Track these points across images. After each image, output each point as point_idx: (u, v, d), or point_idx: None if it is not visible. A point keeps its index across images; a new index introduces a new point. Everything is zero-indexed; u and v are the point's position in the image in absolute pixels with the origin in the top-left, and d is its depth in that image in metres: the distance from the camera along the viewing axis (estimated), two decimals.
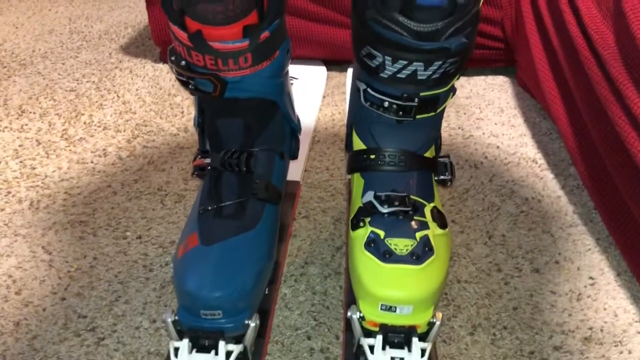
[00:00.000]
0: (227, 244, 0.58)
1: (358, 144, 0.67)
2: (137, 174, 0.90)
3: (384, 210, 0.61)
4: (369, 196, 0.63)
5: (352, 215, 0.64)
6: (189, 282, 0.56)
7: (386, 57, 0.57)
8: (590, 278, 0.73)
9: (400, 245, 0.59)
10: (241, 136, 0.64)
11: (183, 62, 0.60)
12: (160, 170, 0.91)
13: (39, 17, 1.61)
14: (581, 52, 0.85)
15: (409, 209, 0.61)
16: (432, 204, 0.64)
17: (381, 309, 0.57)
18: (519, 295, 0.71)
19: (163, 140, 0.99)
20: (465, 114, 1.09)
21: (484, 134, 1.03)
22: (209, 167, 0.65)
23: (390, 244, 0.59)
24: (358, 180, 0.67)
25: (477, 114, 1.10)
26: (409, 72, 0.58)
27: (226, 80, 0.60)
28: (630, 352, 0.64)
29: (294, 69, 1.24)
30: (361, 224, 0.62)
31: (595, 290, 0.72)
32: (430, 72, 0.58)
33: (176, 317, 0.56)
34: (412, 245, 0.59)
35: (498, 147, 0.99)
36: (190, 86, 0.61)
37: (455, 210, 0.84)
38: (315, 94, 1.14)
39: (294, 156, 0.72)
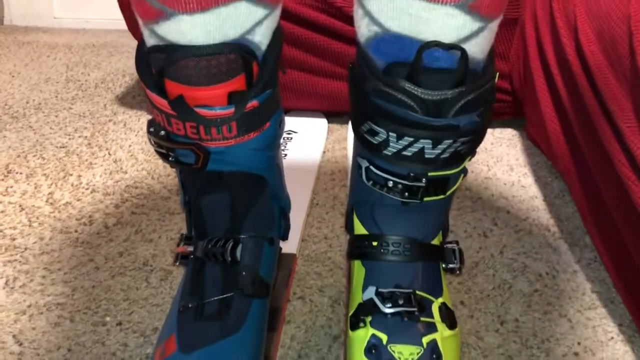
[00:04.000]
0: (208, 352, 0.52)
1: (359, 228, 0.62)
2: (123, 245, 0.84)
3: (387, 310, 0.55)
4: (371, 292, 0.57)
5: (351, 312, 0.58)
6: None
7: (390, 133, 0.52)
8: None
9: (405, 353, 0.53)
10: (227, 220, 0.58)
11: (162, 132, 0.55)
12: (148, 241, 0.85)
13: (36, 64, 1.58)
14: (591, 110, 0.79)
15: (415, 309, 0.55)
16: (440, 300, 0.58)
17: None
18: None
19: (153, 205, 0.93)
20: (473, 172, 1.03)
21: (493, 195, 0.97)
22: (191, 256, 0.59)
23: (394, 351, 0.53)
24: (359, 269, 0.61)
25: (485, 172, 1.04)
26: (415, 150, 0.52)
27: (209, 150, 0.55)
28: None
29: (293, 122, 1.19)
30: (361, 324, 0.56)
31: None
32: (439, 151, 0.53)
33: None
34: (418, 354, 0.53)
35: (508, 211, 0.93)
36: (170, 158, 0.56)
37: (464, 289, 0.77)
38: (315, 150, 1.09)
39: (284, 237, 0.67)
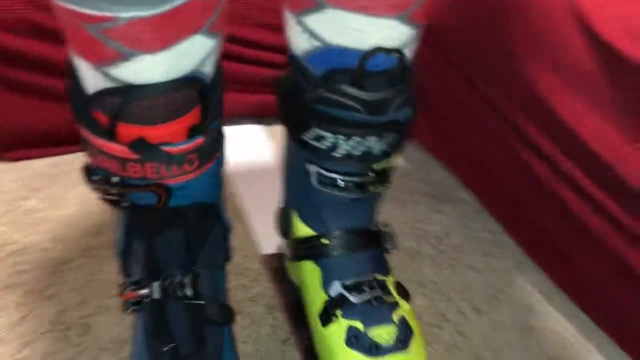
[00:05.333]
0: None
1: (303, 230, 0.63)
2: (21, 309, 0.76)
3: (357, 300, 0.58)
4: (337, 287, 0.59)
5: (317, 310, 0.60)
6: None
7: (338, 136, 0.54)
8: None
9: (384, 334, 0.56)
10: (182, 255, 0.57)
11: (115, 179, 0.52)
12: (47, 299, 0.78)
13: None
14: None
15: (380, 293, 0.59)
16: (390, 277, 0.62)
17: None
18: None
19: (36, 260, 0.85)
20: None
21: None
22: (146, 299, 0.56)
23: (374, 335, 0.56)
24: (311, 269, 0.62)
25: None
26: (364, 149, 0.56)
27: (171, 188, 0.53)
28: None
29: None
30: (333, 318, 0.58)
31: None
32: (385, 146, 0.56)
33: None
34: (394, 332, 0.57)
35: None
36: (123, 203, 0.53)
37: None
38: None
39: (229, 259, 0.66)
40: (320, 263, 0.62)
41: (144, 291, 0.56)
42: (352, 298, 0.58)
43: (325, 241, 0.62)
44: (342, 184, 0.59)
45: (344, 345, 0.57)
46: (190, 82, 0.50)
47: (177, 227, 0.56)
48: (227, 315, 0.57)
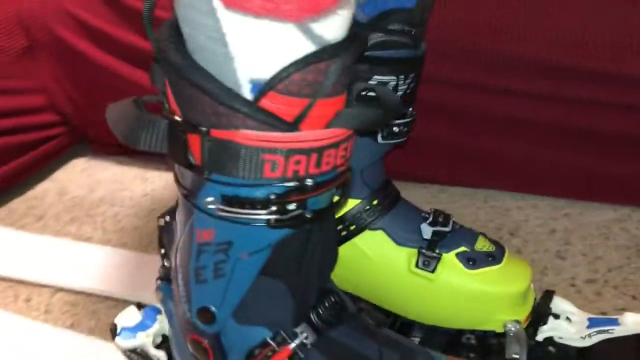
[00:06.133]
0: None
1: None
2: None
3: (448, 228, 0.65)
4: (425, 229, 0.65)
5: (406, 268, 0.64)
6: None
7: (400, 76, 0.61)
8: None
9: (486, 245, 0.65)
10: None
11: (293, 184, 0.44)
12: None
13: None
14: None
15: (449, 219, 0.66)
16: None
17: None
18: None
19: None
20: None
21: None
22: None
23: (481, 248, 0.65)
24: (371, 236, 0.66)
25: None
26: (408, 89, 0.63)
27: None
28: None
29: None
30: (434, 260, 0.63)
31: None
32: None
33: None
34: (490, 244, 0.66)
35: None
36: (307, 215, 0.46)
37: None
38: None
39: None
40: (377, 227, 0.65)
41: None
42: (445, 228, 0.64)
43: (374, 202, 0.65)
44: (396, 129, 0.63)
45: (466, 269, 0.62)
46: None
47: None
48: None
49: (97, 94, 1.13)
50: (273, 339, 0.50)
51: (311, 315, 0.51)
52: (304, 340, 0.50)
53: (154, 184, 1.16)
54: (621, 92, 0.83)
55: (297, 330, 0.50)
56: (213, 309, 0.50)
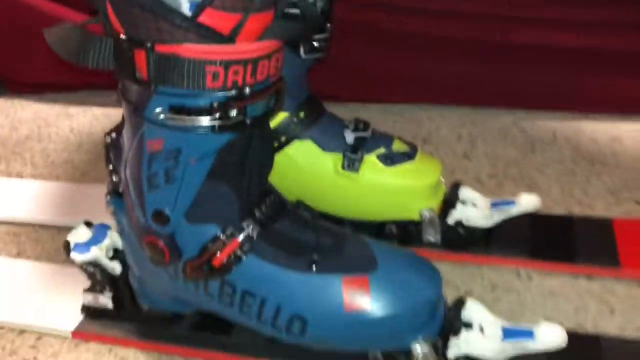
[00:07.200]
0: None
1: None
2: None
3: (368, 134, 0.72)
4: (348, 135, 0.72)
5: (332, 171, 0.72)
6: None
7: None
8: None
9: (402, 147, 0.74)
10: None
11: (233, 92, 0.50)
12: None
13: None
14: None
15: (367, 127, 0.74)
16: None
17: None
18: None
19: None
20: None
21: None
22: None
23: (397, 149, 0.73)
24: (299, 146, 0.73)
25: None
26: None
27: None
28: None
29: None
30: (357, 163, 0.71)
31: None
32: None
33: None
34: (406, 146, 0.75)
35: None
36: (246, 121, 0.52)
37: None
38: None
39: None
40: (305, 136, 0.72)
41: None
42: (365, 134, 0.72)
43: (301, 114, 0.72)
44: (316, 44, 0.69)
45: (385, 167, 0.71)
46: None
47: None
48: None
49: (13, 34, 1.11)
50: (222, 233, 0.57)
51: (255, 212, 0.58)
52: (250, 233, 0.57)
53: (78, 120, 1.17)
54: (519, 6, 0.92)
55: (244, 224, 0.57)
56: (166, 211, 0.55)
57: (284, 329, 0.57)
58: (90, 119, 1.16)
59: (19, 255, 0.84)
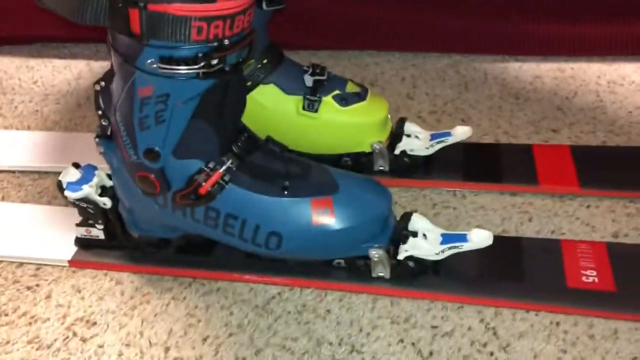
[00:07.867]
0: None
1: None
2: None
3: (325, 77, 0.82)
4: (308, 79, 0.81)
5: (295, 112, 0.81)
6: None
7: None
8: None
9: (355, 88, 0.84)
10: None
11: (215, 44, 0.58)
12: None
13: None
14: None
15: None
16: None
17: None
18: None
19: None
20: None
21: None
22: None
23: (350, 89, 0.83)
24: (264, 90, 0.82)
25: None
26: None
27: None
28: None
29: None
30: (317, 103, 0.81)
31: None
32: None
33: None
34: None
35: None
36: (225, 68, 0.60)
37: None
38: None
39: None
40: (268, 81, 0.81)
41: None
42: (322, 77, 0.81)
43: (265, 61, 0.80)
44: None
45: (340, 107, 0.80)
46: None
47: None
48: None
49: None
50: (206, 166, 0.66)
51: (233, 147, 0.67)
52: (230, 165, 0.66)
53: (41, 72, 1.20)
54: None
55: (224, 158, 0.66)
56: (157, 148, 0.64)
57: (262, 245, 0.68)
58: (52, 70, 1.20)
59: (4, 199, 0.90)
